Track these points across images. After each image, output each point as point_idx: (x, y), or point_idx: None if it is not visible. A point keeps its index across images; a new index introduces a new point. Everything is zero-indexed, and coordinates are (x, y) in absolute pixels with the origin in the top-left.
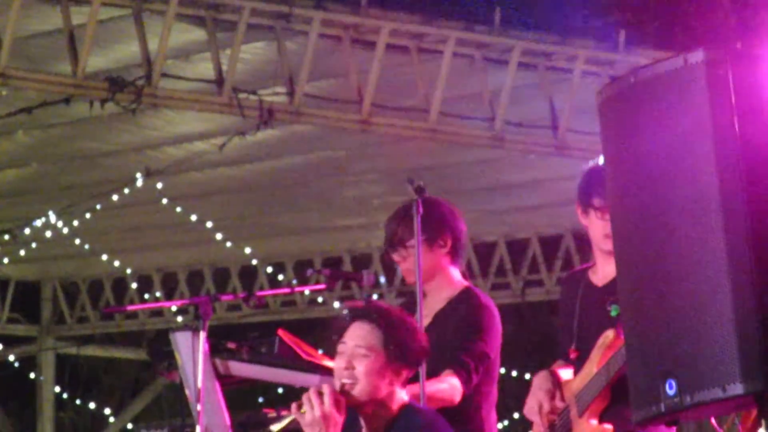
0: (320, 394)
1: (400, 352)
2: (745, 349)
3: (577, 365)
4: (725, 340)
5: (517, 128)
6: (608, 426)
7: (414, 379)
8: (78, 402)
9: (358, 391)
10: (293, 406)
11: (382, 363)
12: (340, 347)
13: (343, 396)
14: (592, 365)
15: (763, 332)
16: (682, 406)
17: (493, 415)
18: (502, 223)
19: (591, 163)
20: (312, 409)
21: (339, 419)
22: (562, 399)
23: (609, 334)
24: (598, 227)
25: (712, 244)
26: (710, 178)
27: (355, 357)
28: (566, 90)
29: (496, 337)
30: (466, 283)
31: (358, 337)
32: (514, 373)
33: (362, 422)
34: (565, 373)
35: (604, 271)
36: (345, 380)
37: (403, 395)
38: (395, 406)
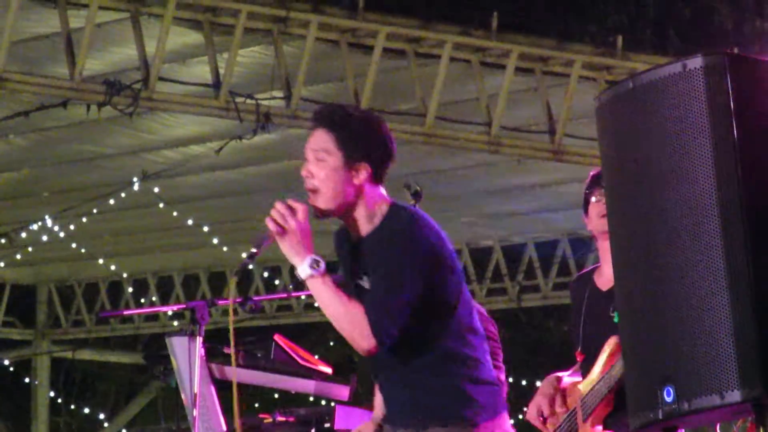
0: (291, 208)
1: (357, 149)
2: (744, 355)
3: (584, 369)
4: (723, 347)
5: (513, 133)
6: None
7: None
8: (72, 406)
9: (322, 197)
10: (269, 223)
11: (339, 164)
12: (305, 155)
13: (310, 205)
14: (597, 370)
15: (761, 339)
16: (680, 412)
17: None
18: (498, 228)
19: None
20: (287, 223)
21: (308, 228)
22: (564, 404)
23: (612, 340)
24: (594, 212)
25: (709, 249)
26: (708, 184)
27: (313, 163)
28: (563, 95)
29: None
30: None
31: (313, 142)
32: (510, 379)
33: (349, 230)
34: (570, 379)
35: (608, 274)
36: (308, 188)
37: (381, 194)
38: (374, 207)
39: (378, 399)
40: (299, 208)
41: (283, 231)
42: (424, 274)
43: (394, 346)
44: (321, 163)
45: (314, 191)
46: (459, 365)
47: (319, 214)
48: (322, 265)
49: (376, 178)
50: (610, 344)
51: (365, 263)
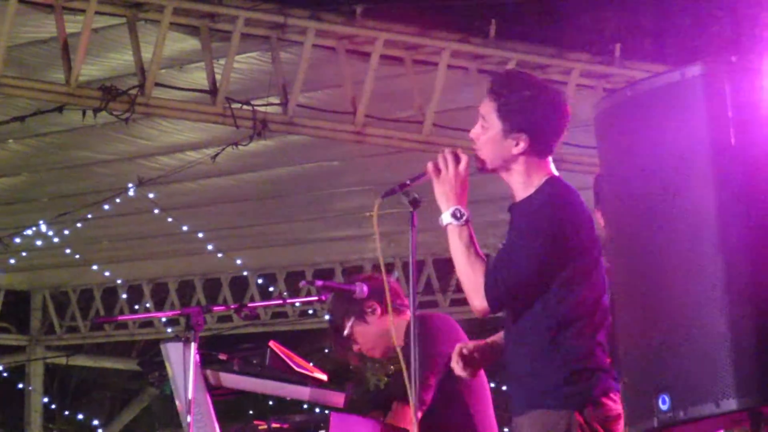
0: (456, 156)
1: (516, 121)
2: (740, 364)
3: None
4: (719, 355)
5: None
6: None
7: None
8: (67, 412)
9: (482, 158)
10: (429, 164)
11: (497, 134)
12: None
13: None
14: None
15: (757, 347)
16: (676, 421)
17: None
18: (494, 236)
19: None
20: (446, 169)
21: (465, 179)
22: None
23: None
24: None
25: (707, 257)
26: (706, 192)
27: (478, 126)
28: None
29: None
30: None
31: (482, 107)
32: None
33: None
34: None
35: None
36: (472, 147)
37: (543, 166)
38: (531, 177)
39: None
40: (463, 158)
41: (439, 174)
42: (543, 255)
43: (510, 317)
44: (483, 129)
45: (477, 151)
46: (563, 351)
47: (480, 169)
48: (464, 218)
49: (539, 150)
50: None
51: (509, 228)
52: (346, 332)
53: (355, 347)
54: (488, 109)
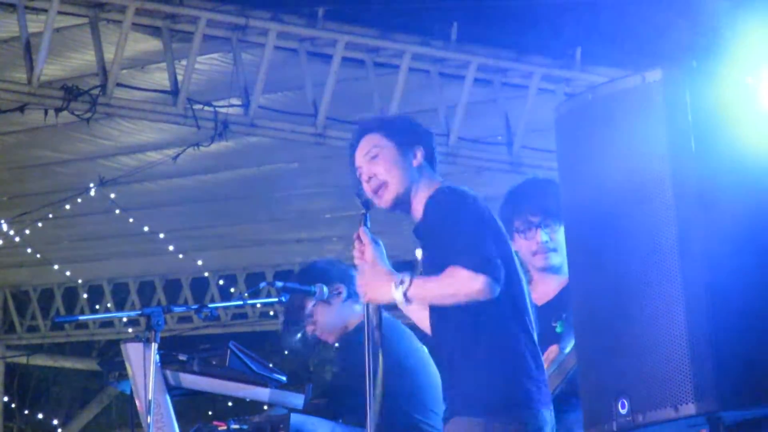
0: (359, 238)
1: (405, 135)
2: (698, 369)
3: None
4: (678, 360)
5: (471, 144)
6: None
7: None
8: (26, 412)
9: (390, 188)
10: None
11: (394, 152)
12: (358, 170)
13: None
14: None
15: (715, 352)
16: (635, 425)
17: None
18: None
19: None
20: (358, 253)
21: (377, 248)
22: None
23: (553, 348)
24: (523, 246)
25: (666, 262)
26: (666, 198)
27: (370, 164)
28: (521, 106)
29: None
30: None
31: (362, 148)
32: None
33: (412, 213)
34: None
35: (543, 289)
36: (375, 188)
37: (433, 177)
38: (430, 189)
39: None
40: (365, 239)
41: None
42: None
43: (447, 332)
44: (377, 159)
45: (381, 186)
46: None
47: (391, 203)
48: (407, 279)
49: (430, 157)
50: (550, 351)
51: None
52: (308, 310)
53: (310, 328)
54: (372, 141)
